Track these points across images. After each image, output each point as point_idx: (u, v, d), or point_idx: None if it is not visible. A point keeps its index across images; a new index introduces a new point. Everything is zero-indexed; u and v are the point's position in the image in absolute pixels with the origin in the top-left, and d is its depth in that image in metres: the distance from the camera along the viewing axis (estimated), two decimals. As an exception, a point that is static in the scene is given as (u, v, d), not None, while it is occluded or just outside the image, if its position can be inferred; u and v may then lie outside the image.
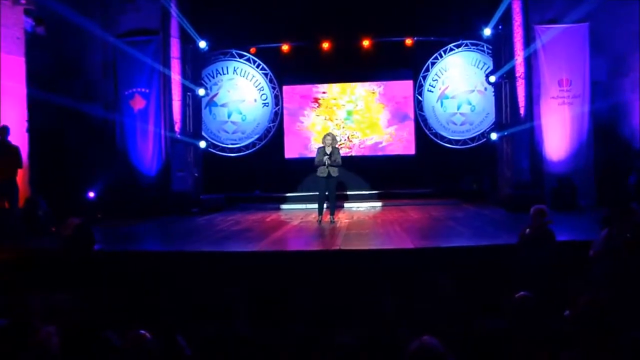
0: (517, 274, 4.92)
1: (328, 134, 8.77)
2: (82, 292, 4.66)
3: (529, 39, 10.64)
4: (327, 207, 8.77)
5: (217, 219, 10.16)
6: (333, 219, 8.70)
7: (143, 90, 11.19)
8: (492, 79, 11.44)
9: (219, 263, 5.86)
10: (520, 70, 10.82)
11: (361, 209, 11.89)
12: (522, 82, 10.80)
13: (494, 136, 11.45)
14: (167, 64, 11.24)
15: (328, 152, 8.46)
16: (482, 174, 13.90)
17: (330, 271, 5.64)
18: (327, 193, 8.59)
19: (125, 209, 10.58)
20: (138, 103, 11.20)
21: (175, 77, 11.43)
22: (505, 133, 11.32)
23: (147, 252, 6.42)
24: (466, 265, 5.45)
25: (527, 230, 5.32)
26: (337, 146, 8.78)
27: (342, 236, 7.20)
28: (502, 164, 11.61)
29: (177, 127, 11.47)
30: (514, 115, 11.04)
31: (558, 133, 10.52)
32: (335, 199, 8.75)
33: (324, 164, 8.38)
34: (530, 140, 10.70)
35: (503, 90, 11.53)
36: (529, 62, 10.66)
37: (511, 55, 10.97)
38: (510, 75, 11.06)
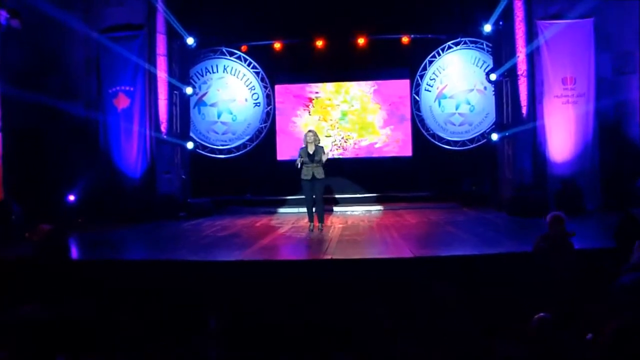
0: (532, 288, 4.42)
1: (309, 131, 8.04)
2: (48, 305, 4.16)
3: (531, 35, 10.16)
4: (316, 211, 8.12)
5: (204, 224, 9.63)
6: (322, 225, 8.01)
7: (127, 88, 10.65)
8: (493, 77, 10.97)
9: (196, 273, 5.34)
10: (522, 67, 10.35)
11: (356, 213, 11.38)
12: (524, 80, 10.33)
13: (494, 137, 10.97)
14: (152, 61, 10.71)
15: (311, 152, 7.83)
16: (482, 177, 13.43)
17: (320, 283, 5.12)
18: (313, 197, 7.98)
19: (108, 213, 10.06)
20: (122, 102, 10.66)
21: (162, 74, 10.90)
22: (507, 134, 10.85)
23: (121, 262, 5.88)
24: (471, 276, 4.94)
25: (543, 239, 4.80)
26: (320, 144, 8.11)
27: (335, 243, 6.68)
28: (503, 165, 11.14)
29: (163, 127, 10.94)
30: (516, 115, 10.57)
31: (562, 133, 10.03)
32: (322, 204, 8.10)
33: (307, 165, 7.75)
34: (533, 140, 10.21)
35: (504, 89, 11.06)
36: (532, 59, 10.18)
37: (512, 53, 10.50)
38: (512, 73, 10.59)
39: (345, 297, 4.87)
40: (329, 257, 5.66)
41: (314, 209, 8.03)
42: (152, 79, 10.74)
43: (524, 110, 10.36)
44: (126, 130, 10.59)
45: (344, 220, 9.83)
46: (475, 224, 8.71)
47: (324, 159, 7.86)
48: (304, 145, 8.00)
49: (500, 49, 11.13)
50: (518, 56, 10.39)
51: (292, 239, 7.39)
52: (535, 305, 3.38)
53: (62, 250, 5.93)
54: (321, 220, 8.03)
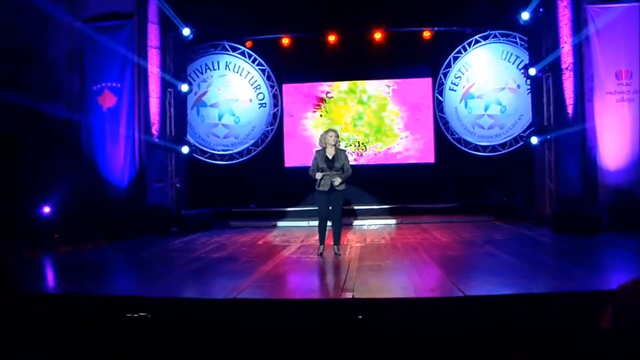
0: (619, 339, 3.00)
1: (328, 131, 6.49)
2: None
3: (579, 23, 8.78)
4: (330, 227, 6.58)
5: (198, 241, 8.29)
6: (338, 248, 6.50)
7: (114, 85, 9.40)
8: (532, 71, 9.52)
9: (174, 316, 3.97)
10: (567, 60, 8.94)
11: (373, 227, 10.00)
12: (570, 74, 8.92)
13: (534, 140, 9.53)
14: (143, 54, 9.45)
15: (330, 156, 6.43)
16: (515, 186, 11.99)
17: (337, 333, 3.73)
18: (329, 214, 6.51)
19: (90, 227, 8.74)
20: (108, 100, 9.39)
21: (153, 69, 9.62)
22: (548, 137, 9.42)
23: (79, 297, 4.53)
24: (545, 328, 3.52)
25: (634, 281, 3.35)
26: (342, 147, 6.72)
27: (355, 272, 5.28)
28: (543, 174, 9.70)
29: (154, 129, 9.65)
30: (560, 116, 9.15)
31: (616, 136, 8.59)
32: (340, 222, 6.59)
33: (324, 174, 6.31)
34: (582, 145, 8.79)
35: (544, 85, 9.64)
36: (580, 50, 8.78)
37: (555, 44, 9.11)
38: (555, 68, 9.19)
39: (374, 354, 3.52)
40: (348, 295, 4.26)
41: (327, 227, 6.57)
42: (143, 74, 9.48)
43: (570, 110, 8.94)
44: (112, 132, 9.33)
45: (361, 237, 8.44)
46: (518, 244, 7.30)
47: (348, 166, 6.45)
48: (320, 148, 6.58)
49: (539, 41, 9.72)
50: (562, 47, 8.99)
51: (301, 265, 5.98)
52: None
53: (6, 282, 4.63)
54: (337, 242, 6.56)
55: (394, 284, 4.94)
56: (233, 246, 7.64)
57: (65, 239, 8.19)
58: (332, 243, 6.53)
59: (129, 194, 9.27)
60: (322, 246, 6.61)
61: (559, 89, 9.11)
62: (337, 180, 6.35)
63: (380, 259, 6.29)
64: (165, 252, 7.25)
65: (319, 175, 6.38)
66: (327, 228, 6.58)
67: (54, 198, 8.76)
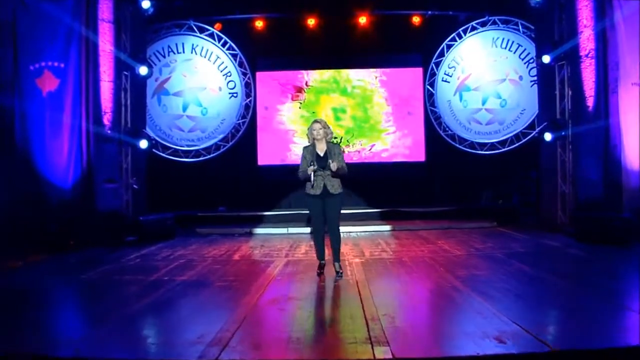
0: None
1: (315, 122, 5.25)
2: None
3: (603, 5, 7.72)
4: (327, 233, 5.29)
5: (158, 255, 6.78)
6: (339, 266, 5.23)
7: (56, 64, 7.76)
8: (546, 58, 8.41)
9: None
10: (587, 46, 7.87)
11: (363, 234, 8.69)
12: (591, 62, 7.85)
13: (548, 137, 8.42)
14: (93, 28, 7.86)
15: (321, 153, 5.17)
16: (510, 187, 10.99)
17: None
18: (324, 221, 5.23)
19: (23, 239, 7.10)
20: (48, 83, 7.74)
21: (106, 47, 8.02)
22: (563, 134, 8.34)
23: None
24: None
25: None
26: (334, 141, 5.41)
27: (373, 308, 3.94)
28: (554, 174, 8.61)
29: (106, 119, 8.05)
30: (578, 109, 8.09)
31: (643, 133, 7.57)
32: (339, 232, 5.29)
33: (316, 173, 5.07)
34: (604, 143, 7.74)
35: (557, 75, 8.56)
36: (604, 35, 7.72)
37: (573, 29, 8.03)
38: (572, 55, 8.12)
39: None
40: (384, 353, 2.92)
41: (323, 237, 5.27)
42: (92, 52, 7.89)
43: (590, 103, 7.87)
44: (54, 121, 7.70)
45: (357, 248, 7.11)
46: (550, 259, 6.17)
47: (343, 163, 5.15)
48: (308, 144, 5.26)
49: (550, 26, 8.61)
50: (581, 32, 7.90)
51: (298, 294, 4.58)
52: None
53: None
54: (337, 258, 5.26)
55: (440, 327, 3.61)
56: (203, 263, 6.17)
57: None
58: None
59: (73, 196, 7.65)
60: (322, 262, 5.33)
61: (576, 79, 8.03)
62: (332, 184, 5.10)
63: (396, 283, 4.98)
64: (115, 273, 5.71)
65: (311, 170, 5.05)
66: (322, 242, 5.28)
67: (-23, 202, 7.11)
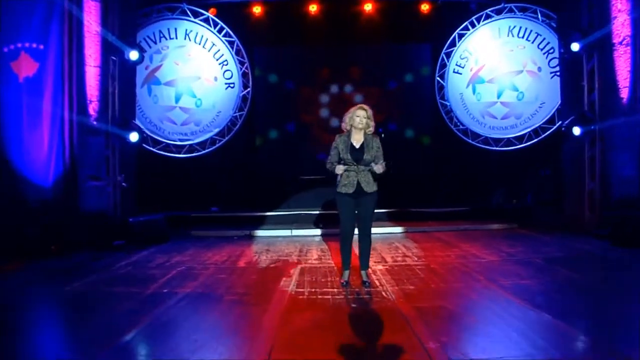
0: None
1: (362, 108, 4.50)
2: None
3: (640, -14, 7.09)
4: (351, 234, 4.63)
5: (152, 262, 5.97)
6: (366, 275, 4.63)
7: (34, 46, 6.88)
8: (575, 46, 7.75)
9: None
10: (622, 33, 7.24)
11: (374, 236, 7.76)
12: (627, 50, 7.23)
13: (576, 131, 7.77)
14: (77, 4, 6.98)
15: (357, 145, 4.48)
16: (525, 185, 10.34)
17: None
18: (355, 223, 4.60)
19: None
20: (25, 67, 6.86)
21: (92, 27, 7.18)
22: (593, 128, 7.69)
23: None
24: None
25: None
26: (373, 134, 4.61)
27: (431, 333, 3.21)
28: (583, 172, 7.97)
29: (92, 109, 7.22)
30: (610, 101, 7.46)
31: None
32: (370, 237, 4.65)
33: (349, 169, 4.43)
34: (641, 137, 7.10)
35: (585, 65, 7.92)
36: (640, 21, 7.08)
37: (605, 15, 7.38)
38: (603, 43, 7.47)
39: None
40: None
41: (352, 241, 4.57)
42: (76, 33, 7.04)
43: (625, 94, 7.24)
44: (32, 110, 6.83)
45: (374, 251, 6.31)
46: (591, 264, 5.53)
47: (381, 159, 4.45)
48: (344, 133, 4.55)
49: (575, 12, 7.98)
50: (615, 18, 7.26)
51: (329, 315, 3.80)
52: None
53: None
54: (366, 266, 4.62)
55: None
56: (205, 271, 5.38)
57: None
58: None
59: (55, 196, 6.79)
60: (347, 272, 4.69)
61: (609, 68, 7.39)
62: (367, 180, 4.45)
63: (436, 295, 4.28)
64: (104, 284, 4.90)
65: (340, 170, 4.37)
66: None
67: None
